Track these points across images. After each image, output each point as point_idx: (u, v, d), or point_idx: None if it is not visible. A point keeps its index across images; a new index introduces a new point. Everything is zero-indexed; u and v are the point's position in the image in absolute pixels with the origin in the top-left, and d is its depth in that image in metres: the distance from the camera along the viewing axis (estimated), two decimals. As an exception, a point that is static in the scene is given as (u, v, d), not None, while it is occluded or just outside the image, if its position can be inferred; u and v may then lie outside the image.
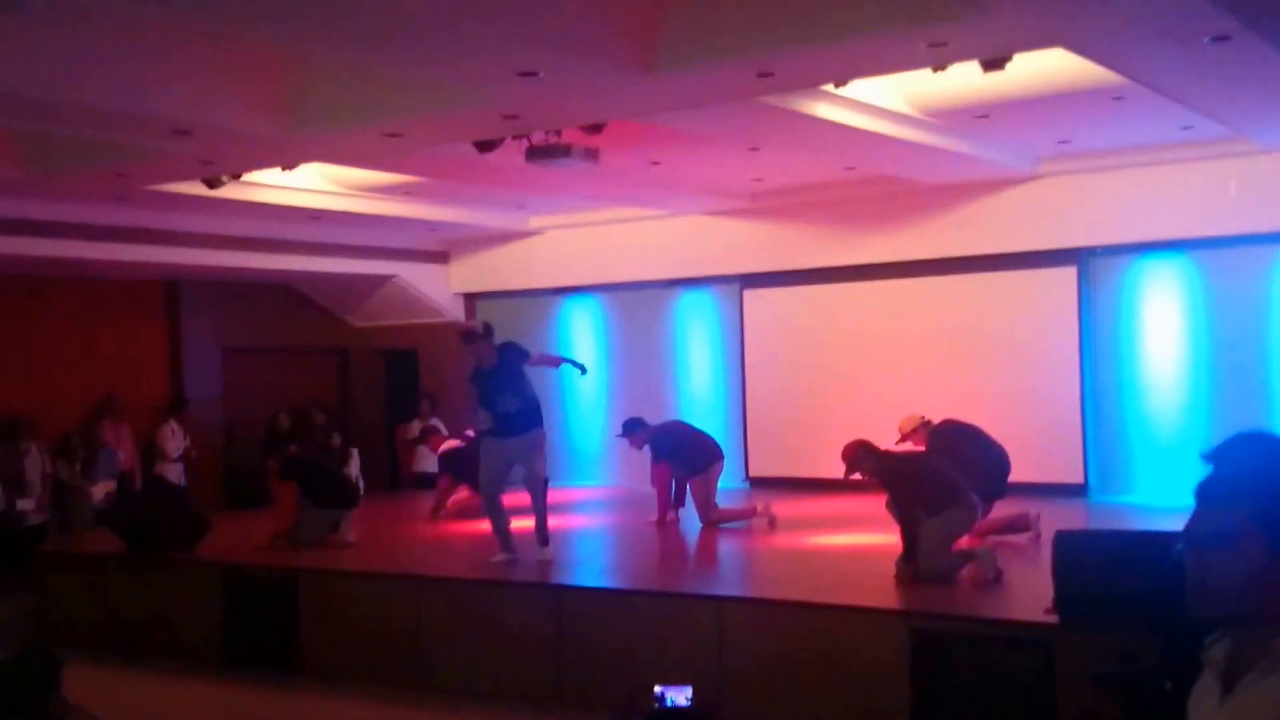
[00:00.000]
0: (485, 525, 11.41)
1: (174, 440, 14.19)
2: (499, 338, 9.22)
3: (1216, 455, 2.49)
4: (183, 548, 9.95)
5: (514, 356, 9.05)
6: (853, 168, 11.81)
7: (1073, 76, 8.70)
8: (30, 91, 7.51)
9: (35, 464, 12.83)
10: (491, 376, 8.93)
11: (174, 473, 13.98)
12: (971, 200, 12.58)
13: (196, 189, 10.86)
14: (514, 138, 9.18)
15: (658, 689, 4.29)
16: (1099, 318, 12.48)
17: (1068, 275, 12.48)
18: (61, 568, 10.57)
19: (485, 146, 9.34)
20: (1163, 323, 12.17)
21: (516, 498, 9.40)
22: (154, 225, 12.84)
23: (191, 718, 8.11)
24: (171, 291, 15.41)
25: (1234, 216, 11.37)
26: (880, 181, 12.47)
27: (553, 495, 13.65)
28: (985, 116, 10.01)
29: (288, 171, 10.87)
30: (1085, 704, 5.19)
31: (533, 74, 7.21)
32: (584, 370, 10.26)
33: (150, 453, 14.22)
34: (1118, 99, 9.34)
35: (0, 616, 10.76)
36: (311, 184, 12.20)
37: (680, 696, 4.27)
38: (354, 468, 14.38)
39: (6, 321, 13.97)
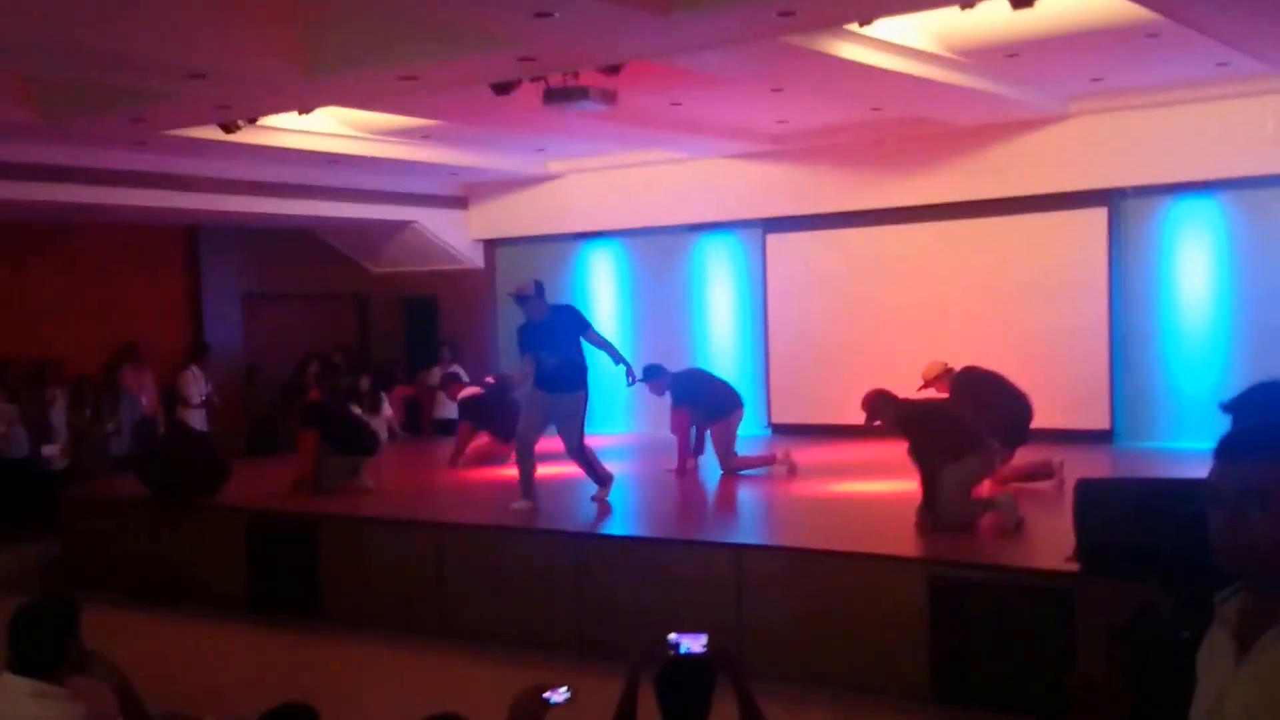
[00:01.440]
0: (505, 471, 11.44)
1: (196, 386, 14.21)
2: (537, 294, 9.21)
3: (1236, 406, 2.38)
4: (206, 493, 9.97)
5: (568, 318, 9.15)
6: (879, 109, 11.61)
7: (1106, 13, 8.49)
8: (45, 37, 7.43)
9: (61, 410, 12.90)
10: (539, 329, 9.01)
11: (197, 418, 14.01)
12: (1000, 141, 12.36)
13: (213, 133, 10.78)
14: (531, 80, 9.06)
15: (672, 637, 4.23)
16: (1129, 260, 12.26)
17: (1098, 217, 12.26)
18: (85, 513, 10.62)
19: (502, 89, 9.22)
20: (1195, 265, 11.95)
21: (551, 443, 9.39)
22: (172, 170, 12.78)
23: (214, 662, 8.14)
24: (191, 237, 15.39)
25: (1271, 156, 11.10)
26: (907, 123, 12.26)
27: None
28: (1015, 55, 9.79)
29: (304, 115, 10.78)
30: (1094, 663, 5.11)
31: (548, 15, 7.07)
32: (633, 380, 9.81)
33: (172, 398, 14.25)
34: (1152, 35, 9.11)
35: (25, 561, 10.84)
36: (329, 128, 12.11)
37: (696, 644, 4.21)
38: (386, 411, 14.42)
39: (29, 268, 14.00)
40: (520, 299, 9.13)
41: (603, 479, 9.26)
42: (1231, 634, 2.02)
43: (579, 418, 9.13)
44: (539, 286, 9.15)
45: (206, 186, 13.26)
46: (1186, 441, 11.35)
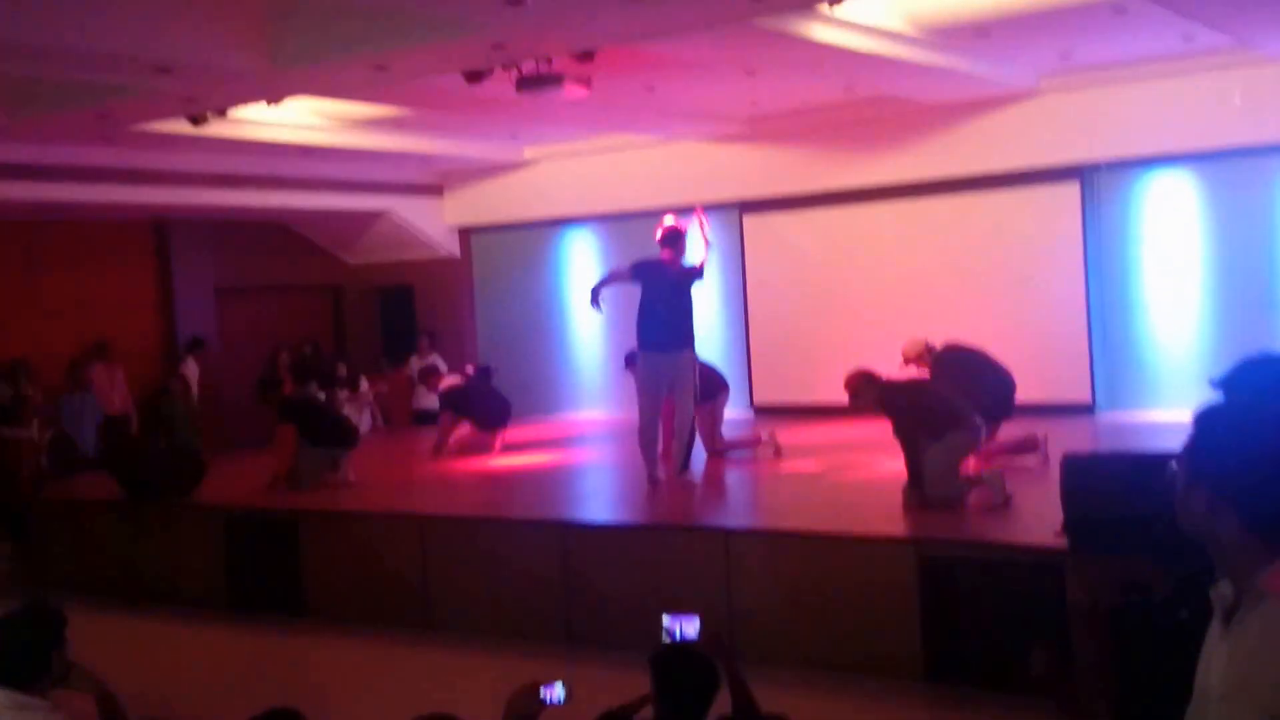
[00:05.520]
0: (489, 461, 11.39)
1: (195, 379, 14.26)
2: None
3: (1225, 384, 2.40)
4: (181, 492, 9.87)
5: (691, 276, 9.03)
6: (851, 89, 11.58)
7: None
8: (8, 35, 7.31)
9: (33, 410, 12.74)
10: (661, 276, 8.91)
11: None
12: (973, 118, 12.36)
13: (182, 127, 10.67)
14: (503, 68, 8.98)
15: (666, 620, 4.21)
16: (1103, 234, 12.30)
17: (1071, 191, 12.29)
18: (59, 515, 10.51)
19: (474, 77, 9.14)
20: (1168, 237, 12.00)
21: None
22: (141, 165, 12.63)
23: (195, 665, 8.06)
24: (161, 232, 15.23)
25: (1239, 128, 11.16)
26: (879, 102, 12.24)
27: (554, 428, 13.69)
28: (984, 33, 9.79)
29: (273, 106, 10.66)
30: (1083, 640, 5.10)
31: (519, 2, 7.00)
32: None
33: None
34: (1119, 12, 9.13)
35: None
36: (299, 118, 11.99)
37: (690, 627, 4.19)
38: (367, 397, 14.41)
39: (-3, 267, 13.83)
40: (672, 238, 9.02)
41: (685, 461, 9.10)
42: (1220, 614, 2.07)
43: (688, 374, 8.89)
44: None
45: (176, 180, 13.11)
46: (1165, 410, 11.41)
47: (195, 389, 14.27)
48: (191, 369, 14.39)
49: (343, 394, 13.87)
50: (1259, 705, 1.86)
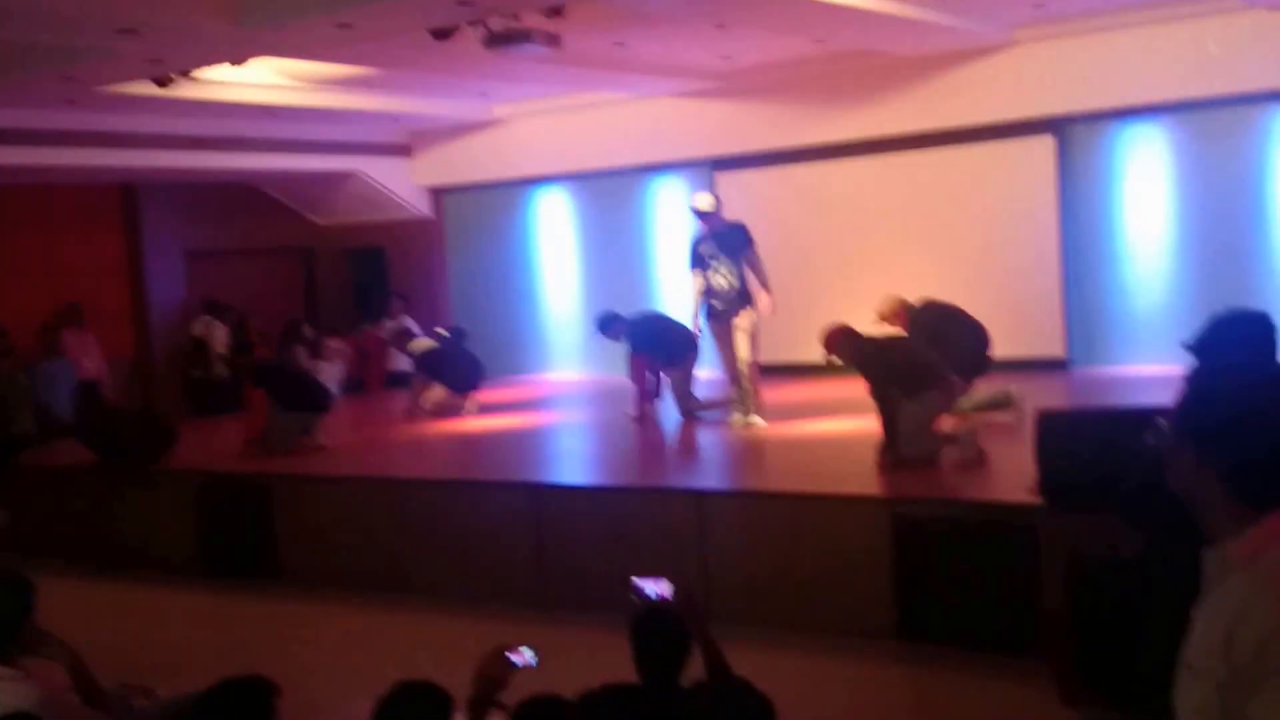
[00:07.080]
0: (459, 424, 11.34)
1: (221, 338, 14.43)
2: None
3: (1198, 346, 2.36)
4: (154, 458, 9.80)
5: (740, 235, 10.03)
6: (823, 42, 11.48)
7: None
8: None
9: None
10: (711, 240, 9.95)
11: (221, 369, 14.32)
12: (946, 71, 12.26)
13: (148, 89, 10.52)
14: (471, 24, 8.85)
15: (635, 582, 4.18)
16: (1079, 187, 12.26)
17: (1046, 144, 12.23)
18: (33, 481, 10.43)
19: (441, 34, 9.02)
20: (1144, 190, 11.97)
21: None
22: (106, 128, 12.47)
23: (169, 630, 8.02)
24: (129, 195, 15.05)
25: (1215, 77, 11.07)
26: (852, 56, 12.14)
27: (524, 389, 13.66)
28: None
29: (238, 67, 10.51)
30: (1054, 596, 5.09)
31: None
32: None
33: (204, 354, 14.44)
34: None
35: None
36: (266, 79, 11.84)
37: (661, 588, 4.16)
38: (335, 361, 14.33)
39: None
40: (701, 215, 10.00)
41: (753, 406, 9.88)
42: (1205, 581, 2.05)
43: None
44: (717, 201, 10.26)
45: (143, 143, 12.95)
46: (1140, 365, 11.43)
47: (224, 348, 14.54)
48: (220, 330, 14.49)
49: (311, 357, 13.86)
50: (1212, 674, 1.85)
